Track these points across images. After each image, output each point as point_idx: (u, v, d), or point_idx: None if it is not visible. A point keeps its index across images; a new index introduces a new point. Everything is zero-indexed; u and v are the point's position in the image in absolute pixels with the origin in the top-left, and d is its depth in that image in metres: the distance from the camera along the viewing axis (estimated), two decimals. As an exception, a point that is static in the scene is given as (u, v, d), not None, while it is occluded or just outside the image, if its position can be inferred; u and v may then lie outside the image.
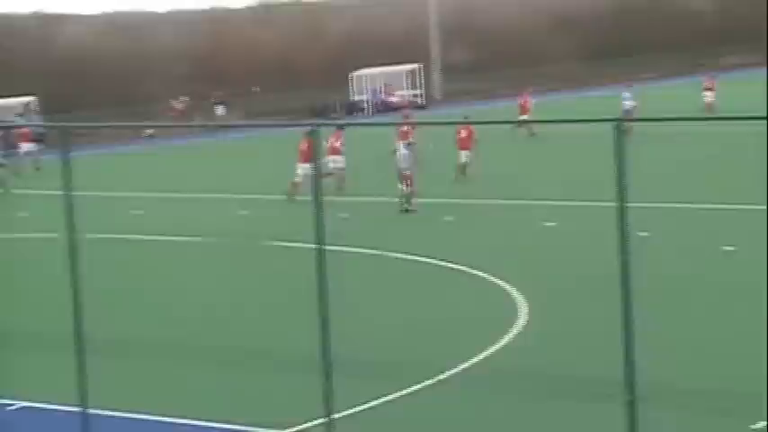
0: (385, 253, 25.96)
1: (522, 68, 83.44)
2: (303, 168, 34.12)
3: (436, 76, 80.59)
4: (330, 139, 36.99)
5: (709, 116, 43.67)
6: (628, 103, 48.41)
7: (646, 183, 29.87)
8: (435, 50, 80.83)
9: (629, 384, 11.11)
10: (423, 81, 76.60)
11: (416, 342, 18.44)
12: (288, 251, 26.67)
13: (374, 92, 74.01)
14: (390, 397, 15.29)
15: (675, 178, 34.86)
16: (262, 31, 78.93)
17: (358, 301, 20.77)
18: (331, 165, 36.28)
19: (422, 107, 73.02)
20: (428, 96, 76.55)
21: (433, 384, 15.72)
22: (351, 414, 14.44)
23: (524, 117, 50.09)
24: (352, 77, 74.29)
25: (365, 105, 73.31)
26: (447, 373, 16.15)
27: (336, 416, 12.50)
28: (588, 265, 22.66)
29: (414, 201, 31.90)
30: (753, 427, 13.28)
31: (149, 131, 64.34)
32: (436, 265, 24.30)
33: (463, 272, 23.42)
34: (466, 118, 40.79)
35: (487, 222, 29.82)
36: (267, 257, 27.14)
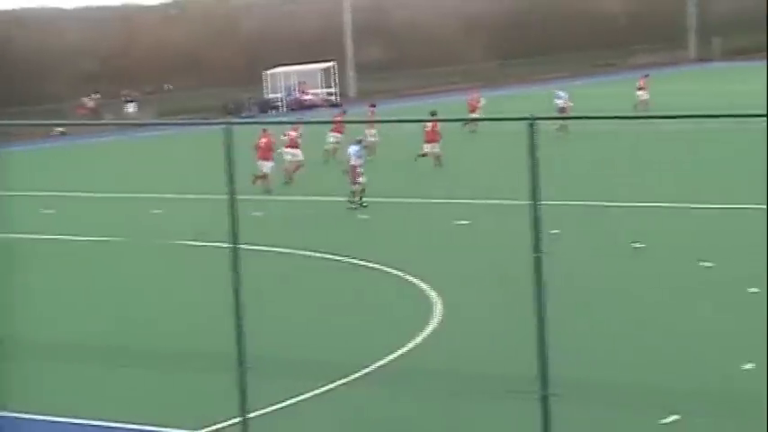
0: (299, 252, 25.92)
1: (435, 68, 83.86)
2: (265, 165, 36.09)
3: (350, 75, 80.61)
4: (289, 133, 38.13)
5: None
6: (561, 102, 48.74)
7: (563, 180, 30.24)
8: (349, 49, 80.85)
9: (543, 380, 11.25)
10: (337, 79, 76.56)
11: (332, 341, 18.44)
12: (202, 250, 26.51)
13: (288, 90, 73.80)
14: (306, 396, 15.29)
15: (593, 176, 35.17)
16: (174, 28, 78.29)
17: (273, 301, 20.72)
18: (289, 157, 37.77)
19: (336, 105, 73.03)
20: (342, 95, 76.55)
21: (349, 383, 15.74)
22: (266, 413, 14.42)
23: (474, 114, 50.19)
24: (266, 75, 74.02)
25: (279, 103, 73.08)
26: (362, 372, 16.18)
27: (251, 415, 12.48)
28: (502, 264, 22.82)
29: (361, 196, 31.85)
30: (662, 421, 13.49)
31: (60, 129, 63.60)
32: (351, 264, 24.32)
33: (378, 270, 23.46)
34: (433, 114, 41.86)
35: (402, 221, 29.90)
36: (181, 257, 26.96)
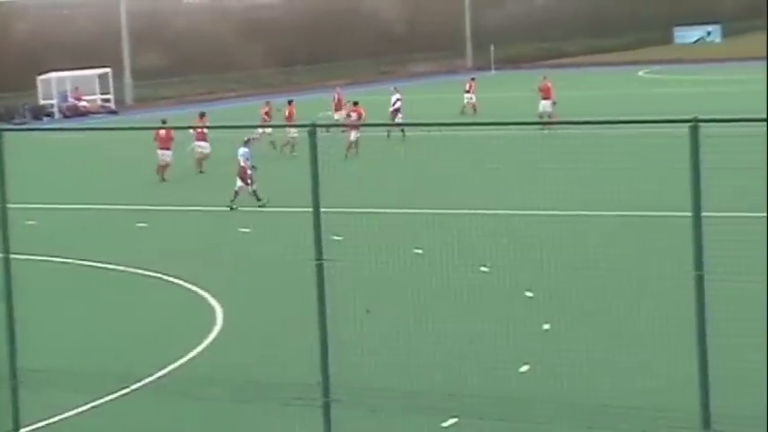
0: (76, 261, 25.30)
1: (215, 74, 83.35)
2: (164, 154, 38.08)
3: (127, 81, 79.27)
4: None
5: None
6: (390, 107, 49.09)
7: (351, 187, 30.43)
8: (126, 55, 79.52)
9: (325, 387, 11.26)
10: (113, 86, 75.09)
11: (111, 352, 18.04)
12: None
13: (62, 96, 72.01)
14: (83, 408, 14.91)
15: (379, 182, 35.45)
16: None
17: (49, 312, 20.16)
18: (198, 150, 39.29)
19: (113, 112, 71.75)
20: (119, 101, 75.18)
21: (128, 394, 15.42)
22: (41, 427, 14.00)
23: (337, 115, 49.86)
24: (39, 81, 72.04)
25: (53, 110, 71.23)
26: (143, 382, 15.89)
27: (24, 429, 12.10)
28: (284, 271, 22.80)
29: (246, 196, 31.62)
30: (443, 424, 13.67)
31: None
32: (130, 273, 23.87)
33: (158, 279, 23.11)
34: (356, 104, 45.00)
35: (182, 229, 29.54)
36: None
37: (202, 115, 41.01)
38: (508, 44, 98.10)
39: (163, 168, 38.16)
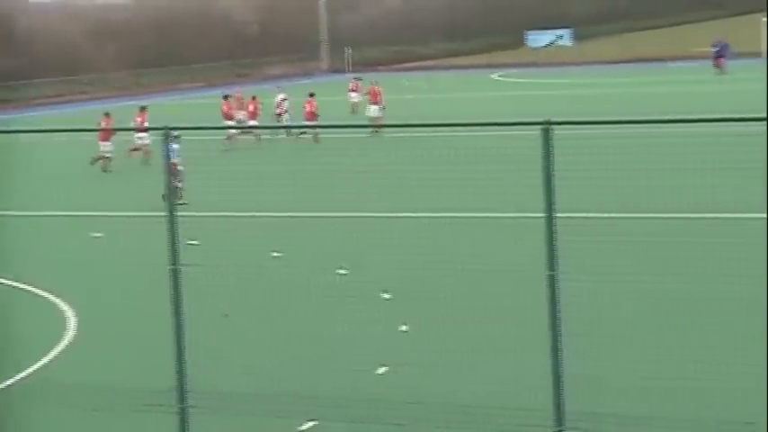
0: None
1: (65, 76, 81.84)
2: (105, 146, 40.14)
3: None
4: (137, 119, 42.16)
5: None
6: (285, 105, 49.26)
7: (210, 191, 30.12)
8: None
9: (180, 393, 11.11)
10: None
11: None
12: None
13: None
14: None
15: (243, 186, 35.09)
16: None
17: None
18: (138, 141, 41.57)
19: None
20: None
21: (-23, 404, 15.02)
22: None
23: (240, 115, 49.10)
24: None
25: None
26: (-9, 391, 15.49)
27: None
28: (138, 276, 22.48)
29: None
30: (301, 428, 13.61)
31: None
32: (-22, 279, 23.25)
33: (7, 285, 22.55)
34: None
35: (33, 234, 28.90)
36: None
37: (143, 109, 42.82)
38: (364, 47, 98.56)
39: (104, 160, 40.12)
